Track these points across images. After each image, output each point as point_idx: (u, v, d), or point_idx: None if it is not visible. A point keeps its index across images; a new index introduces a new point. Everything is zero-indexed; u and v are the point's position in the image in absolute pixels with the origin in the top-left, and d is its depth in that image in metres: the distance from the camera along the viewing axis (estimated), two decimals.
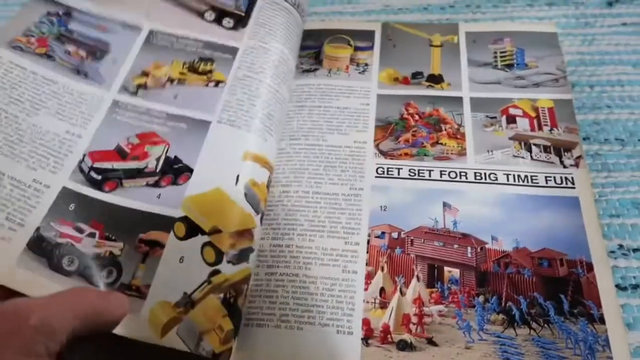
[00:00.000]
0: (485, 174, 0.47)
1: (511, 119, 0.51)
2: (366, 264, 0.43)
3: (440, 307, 0.41)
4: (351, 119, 0.52)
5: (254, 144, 0.46)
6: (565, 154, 0.48)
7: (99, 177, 0.44)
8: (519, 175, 0.47)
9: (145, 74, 0.51)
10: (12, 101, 0.46)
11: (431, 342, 0.39)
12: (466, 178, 0.47)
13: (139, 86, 0.50)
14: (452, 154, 0.49)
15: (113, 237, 0.41)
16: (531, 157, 0.48)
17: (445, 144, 0.50)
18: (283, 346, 0.39)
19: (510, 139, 0.49)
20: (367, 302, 0.41)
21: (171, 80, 0.50)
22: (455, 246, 0.44)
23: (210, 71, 0.51)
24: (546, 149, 0.48)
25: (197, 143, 0.46)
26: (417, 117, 0.52)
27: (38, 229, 0.41)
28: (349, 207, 0.46)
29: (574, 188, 0.45)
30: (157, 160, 0.45)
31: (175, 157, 0.46)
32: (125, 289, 0.39)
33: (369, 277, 0.42)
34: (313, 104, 0.53)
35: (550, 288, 0.41)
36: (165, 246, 0.40)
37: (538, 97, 0.52)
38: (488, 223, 0.44)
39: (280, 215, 0.45)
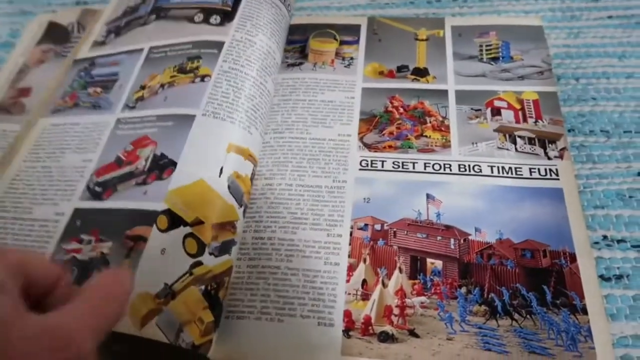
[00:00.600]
0: (469, 165, 0.47)
1: (496, 111, 0.50)
2: (348, 256, 0.42)
3: (423, 298, 0.41)
4: (336, 112, 0.51)
5: (238, 136, 0.46)
6: (550, 145, 0.47)
7: (100, 190, 0.45)
8: (503, 167, 0.47)
9: (142, 87, 0.51)
10: (49, 156, 0.50)
11: (413, 333, 0.39)
12: (450, 170, 0.47)
13: (137, 99, 0.51)
14: (436, 146, 0.49)
15: (104, 238, 0.42)
16: (516, 149, 0.48)
17: (430, 136, 0.49)
18: (264, 338, 0.39)
19: (494, 130, 0.49)
20: (349, 293, 0.41)
21: (162, 85, 0.51)
22: (439, 238, 0.44)
23: (197, 68, 0.51)
24: (531, 141, 0.48)
25: (182, 137, 0.46)
26: (401, 109, 0.52)
27: (52, 255, 0.42)
28: (332, 199, 0.45)
29: (557, 179, 0.45)
30: (146, 160, 0.46)
31: (162, 153, 0.45)
32: None
33: (351, 269, 0.42)
34: (298, 98, 0.53)
35: (533, 279, 0.41)
36: (148, 239, 0.40)
37: (523, 89, 0.51)
38: (471, 215, 0.44)
39: (262, 208, 0.45)
